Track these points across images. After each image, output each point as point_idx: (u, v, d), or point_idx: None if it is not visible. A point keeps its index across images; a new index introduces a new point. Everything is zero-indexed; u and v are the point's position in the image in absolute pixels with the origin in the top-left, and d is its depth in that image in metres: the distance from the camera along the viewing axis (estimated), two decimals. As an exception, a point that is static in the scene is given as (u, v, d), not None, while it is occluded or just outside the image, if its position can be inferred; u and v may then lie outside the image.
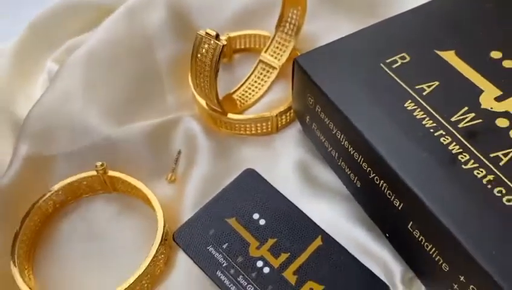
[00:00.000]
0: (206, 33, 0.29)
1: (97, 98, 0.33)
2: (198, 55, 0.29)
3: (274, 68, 0.36)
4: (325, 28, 0.38)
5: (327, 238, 0.29)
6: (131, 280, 0.27)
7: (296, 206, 0.30)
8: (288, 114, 0.33)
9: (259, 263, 0.28)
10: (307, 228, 0.29)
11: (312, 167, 0.32)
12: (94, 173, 0.31)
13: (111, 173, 0.30)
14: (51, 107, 0.32)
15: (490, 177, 0.21)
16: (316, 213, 0.29)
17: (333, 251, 0.28)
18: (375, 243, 0.28)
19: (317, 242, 0.29)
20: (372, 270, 0.27)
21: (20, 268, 0.27)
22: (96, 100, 0.33)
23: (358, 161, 0.25)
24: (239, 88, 0.36)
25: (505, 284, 0.19)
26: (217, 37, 0.28)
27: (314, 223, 0.29)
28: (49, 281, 0.28)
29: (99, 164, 0.30)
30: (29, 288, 0.26)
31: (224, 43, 0.28)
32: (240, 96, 0.36)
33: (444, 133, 0.23)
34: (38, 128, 0.32)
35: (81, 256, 0.29)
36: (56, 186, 0.30)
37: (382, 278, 0.27)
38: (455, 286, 0.21)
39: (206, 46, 0.29)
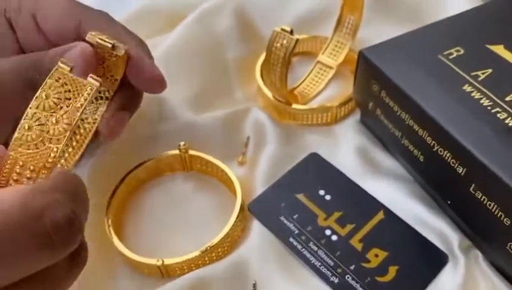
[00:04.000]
0: (282, 29, 0.33)
1: (177, 90, 0.37)
2: (273, 49, 0.33)
3: (331, 68, 0.40)
4: (376, 34, 0.41)
5: (388, 212, 0.32)
6: (215, 241, 0.30)
7: (358, 185, 0.33)
8: (347, 106, 0.37)
9: (328, 232, 0.31)
10: (369, 203, 0.32)
11: (371, 152, 0.35)
12: (176, 152, 0.34)
13: (191, 152, 0.34)
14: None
15: (544, 144, 0.25)
16: (377, 191, 0.33)
17: (394, 223, 0.31)
18: (433, 216, 0.31)
19: (380, 216, 0.32)
20: (431, 241, 0.30)
21: (112, 231, 0.31)
22: (177, 92, 0.37)
23: (423, 136, 0.28)
24: (299, 85, 0.40)
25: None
26: (291, 32, 0.32)
27: (376, 199, 0.32)
28: (136, 243, 0.32)
29: (182, 143, 0.34)
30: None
31: (298, 37, 0.32)
32: (300, 93, 0.40)
33: (499, 110, 0.27)
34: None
35: (164, 224, 0.33)
36: (142, 164, 0.34)
37: (440, 247, 0.30)
38: (516, 238, 0.24)
39: (281, 40, 0.33)
